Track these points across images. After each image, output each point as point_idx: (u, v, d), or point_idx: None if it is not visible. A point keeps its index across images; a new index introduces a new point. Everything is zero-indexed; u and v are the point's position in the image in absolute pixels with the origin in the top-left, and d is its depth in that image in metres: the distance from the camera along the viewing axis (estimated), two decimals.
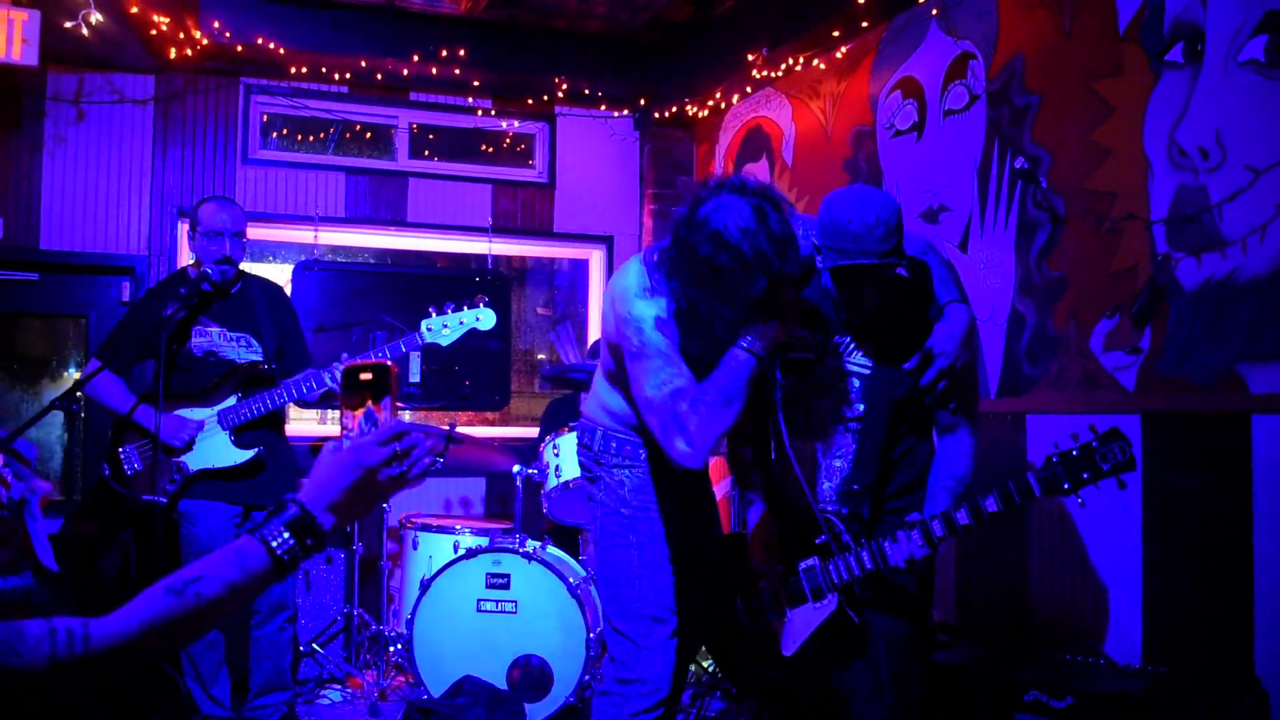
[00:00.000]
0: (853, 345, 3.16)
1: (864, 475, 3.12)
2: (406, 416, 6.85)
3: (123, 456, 4.67)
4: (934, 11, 5.11)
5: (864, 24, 5.41)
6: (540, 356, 8.42)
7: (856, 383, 3.14)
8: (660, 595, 3.17)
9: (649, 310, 2.91)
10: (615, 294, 3.03)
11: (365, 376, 1.84)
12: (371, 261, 7.36)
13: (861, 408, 3.14)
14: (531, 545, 5.21)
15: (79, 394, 4.53)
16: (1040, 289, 4.52)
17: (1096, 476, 2.75)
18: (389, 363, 1.85)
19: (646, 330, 2.89)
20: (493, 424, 7.52)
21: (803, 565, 3.13)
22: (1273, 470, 3.59)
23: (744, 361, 2.78)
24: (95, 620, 1.42)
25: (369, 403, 1.84)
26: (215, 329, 4.76)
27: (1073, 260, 4.38)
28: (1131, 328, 4.11)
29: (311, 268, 6.78)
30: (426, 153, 7.25)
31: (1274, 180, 3.61)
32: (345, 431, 1.84)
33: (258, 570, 1.58)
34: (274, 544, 1.60)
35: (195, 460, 4.63)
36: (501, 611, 5.10)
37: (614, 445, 3.24)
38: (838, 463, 3.17)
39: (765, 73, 6.20)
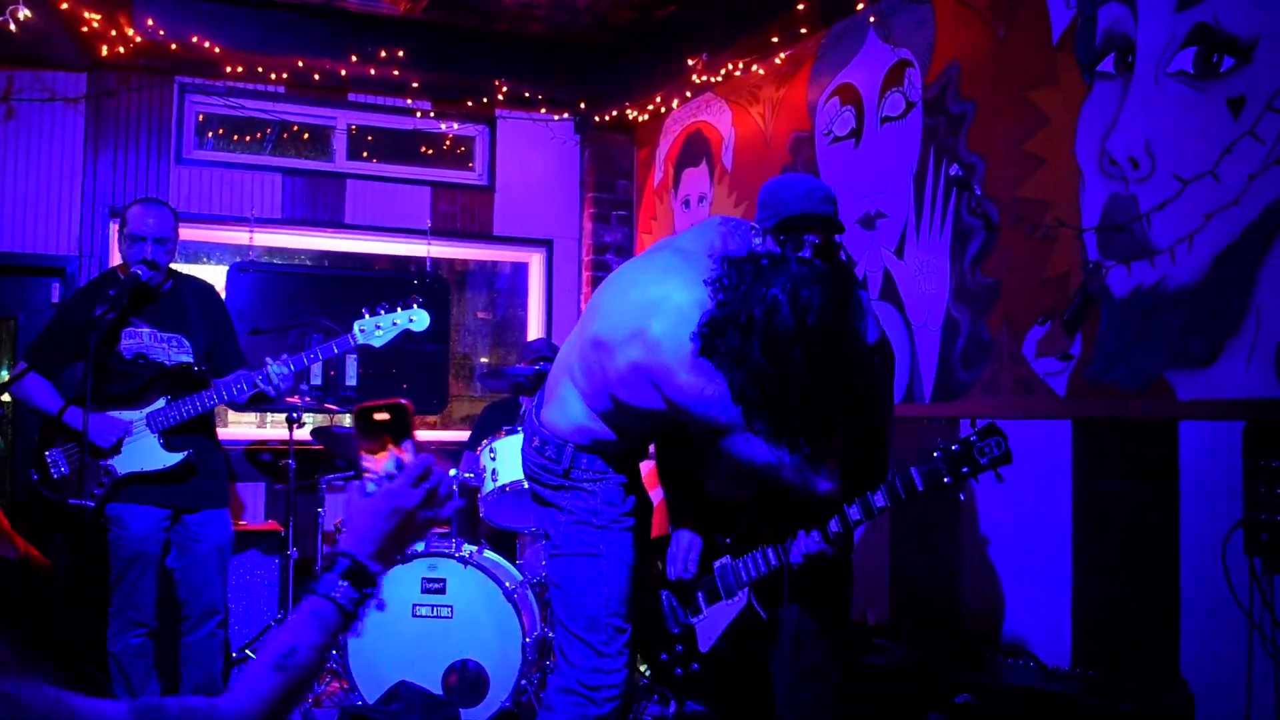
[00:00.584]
0: None
1: None
2: (344, 420, 6.79)
3: (49, 460, 4.58)
4: (872, 19, 5.15)
5: (802, 30, 5.44)
6: (483, 360, 8.38)
7: None
8: (623, 604, 3.16)
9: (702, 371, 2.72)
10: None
11: (381, 417, 1.82)
12: (308, 264, 7.29)
13: None
14: (468, 550, 5.17)
15: (5, 396, 4.43)
16: (974, 295, 4.56)
17: (975, 470, 2.83)
18: (405, 402, 1.82)
19: (725, 399, 2.69)
20: (432, 427, 7.46)
21: (716, 564, 3.18)
22: (1199, 476, 3.65)
23: None
24: (221, 700, 1.54)
25: (390, 446, 1.82)
26: (146, 330, 4.68)
27: (1006, 267, 4.43)
28: (1063, 334, 4.16)
29: (247, 269, 6.70)
30: (365, 154, 7.19)
31: (1201, 190, 3.67)
32: (369, 475, 1.83)
33: (333, 626, 1.66)
34: (339, 598, 1.67)
35: (124, 463, 4.55)
36: (437, 616, 5.06)
37: (585, 461, 3.18)
38: None
39: (705, 78, 6.22)
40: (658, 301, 2.74)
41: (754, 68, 5.97)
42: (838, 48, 5.47)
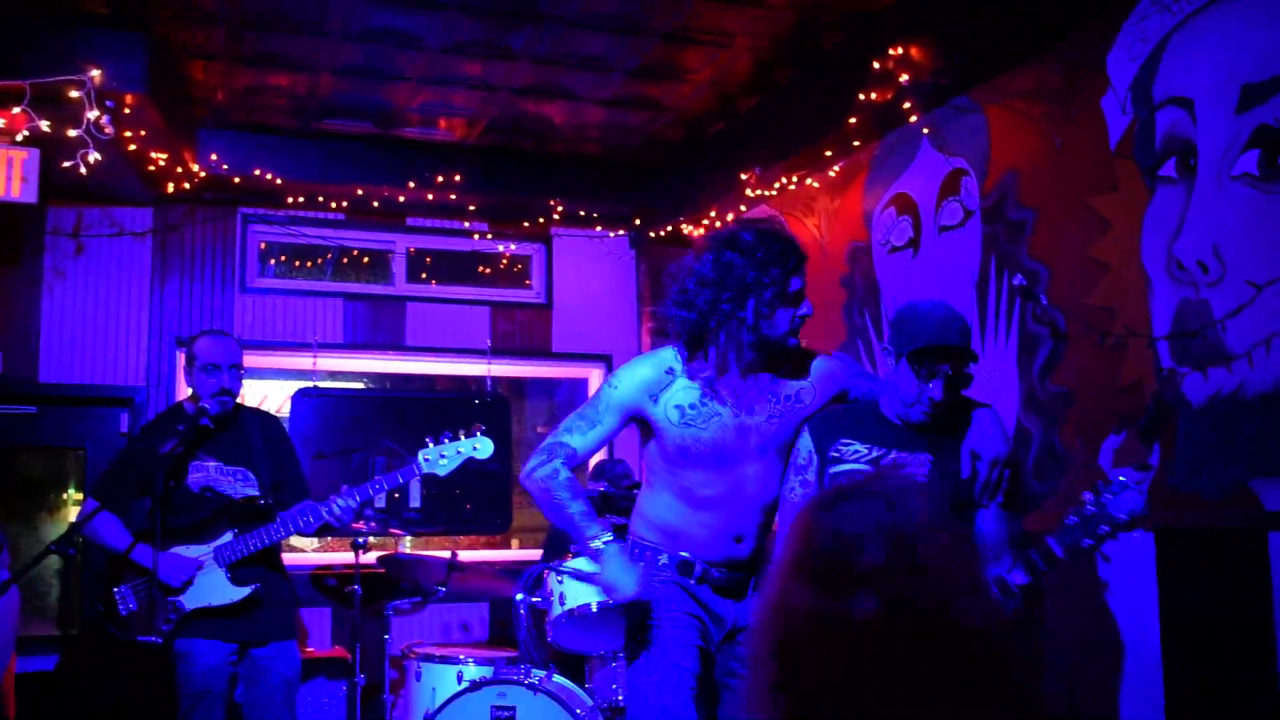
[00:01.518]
0: (911, 457, 3.16)
1: None
2: (407, 542, 6.78)
3: (118, 596, 4.58)
4: (925, 130, 5.15)
5: (855, 143, 5.46)
6: None
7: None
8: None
9: None
10: None
11: None
12: (370, 386, 7.34)
13: None
14: (537, 675, 5.08)
15: (77, 537, 4.45)
16: (1045, 405, 4.48)
17: (1115, 528, 2.77)
18: None
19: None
20: (495, 545, 7.42)
21: None
22: None
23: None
24: None
25: None
26: (212, 464, 4.70)
27: (1076, 376, 4.35)
28: (1140, 443, 4.06)
29: (310, 394, 6.75)
30: (424, 276, 7.27)
31: (1276, 294, 3.59)
32: None
33: None
34: None
35: (192, 599, 4.54)
36: None
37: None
38: None
39: (759, 191, 6.25)
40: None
41: (808, 180, 6.00)
42: (891, 158, 5.48)
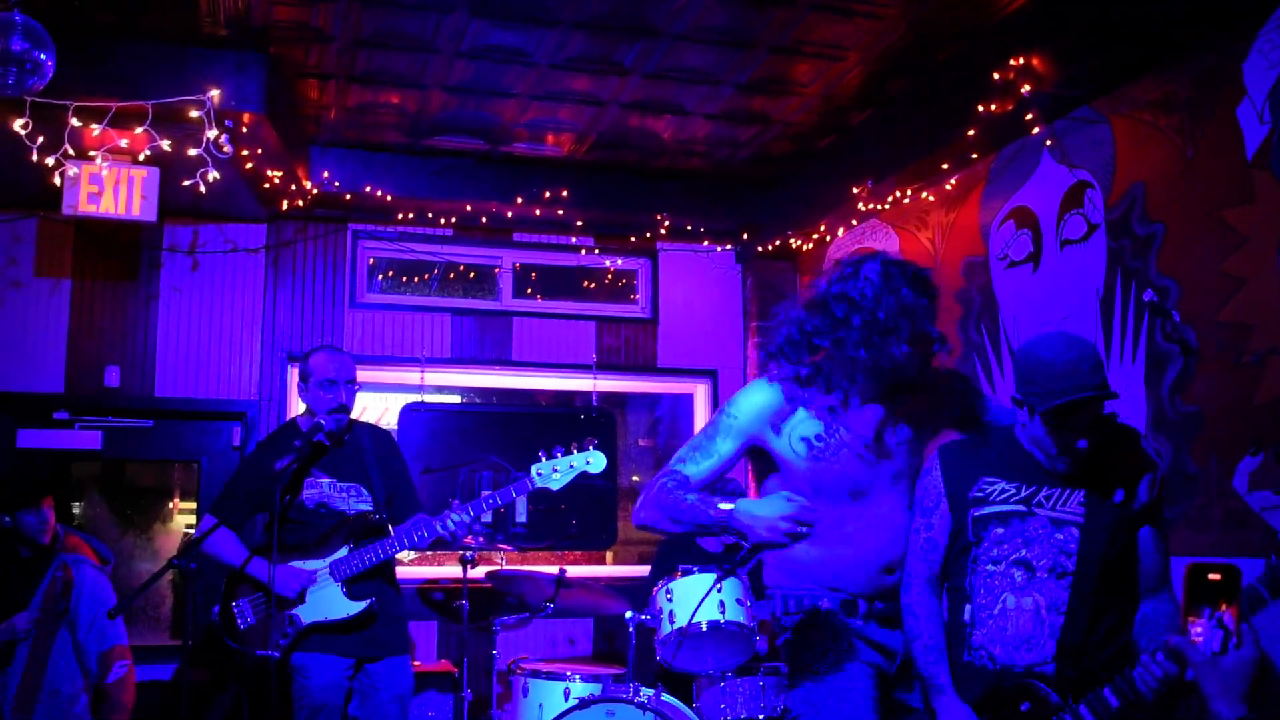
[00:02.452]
0: (1064, 494, 3.05)
1: (1074, 632, 2.96)
2: (501, 558, 6.78)
3: (235, 611, 4.63)
4: (1048, 142, 5.02)
5: (973, 155, 5.34)
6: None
7: (1065, 535, 3.02)
8: None
9: None
10: None
11: (1214, 577, 1.80)
12: (477, 401, 7.36)
13: (1073, 561, 3.00)
14: (645, 694, 5.03)
15: (195, 551, 4.51)
16: (1175, 425, 4.33)
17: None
18: (1236, 566, 1.80)
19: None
20: (600, 562, 7.39)
21: None
22: None
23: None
24: None
25: (1223, 606, 1.91)
26: (326, 480, 4.74)
27: (1209, 395, 4.19)
28: (1278, 466, 3.89)
29: (418, 409, 6.79)
30: (529, 291, 7.28)
31: None
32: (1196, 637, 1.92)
33: None
34: None
35: (308, 613, 4.57)
36: None
37: None
38: (1043, 613, 3.03)
39: (871, 205, 6.15)
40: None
41: (922, 194, 5.88)
42: (1010, 170, 5.35)
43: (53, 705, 4.48)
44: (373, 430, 4.99)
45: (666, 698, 5.14)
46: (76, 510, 6.53)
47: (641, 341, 7.36)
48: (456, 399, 7.49)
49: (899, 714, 3.26)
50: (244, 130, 5.20)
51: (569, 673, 5.41)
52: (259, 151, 5.49)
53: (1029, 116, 4.91)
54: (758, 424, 3.19)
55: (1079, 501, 3.04)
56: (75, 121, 4.90)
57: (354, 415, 4.88)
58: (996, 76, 4.83)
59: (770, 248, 7.15)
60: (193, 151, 5.03)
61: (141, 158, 5.23)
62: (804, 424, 3.15)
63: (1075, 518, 3.03)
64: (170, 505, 6.75)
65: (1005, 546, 3.07)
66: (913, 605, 3.18)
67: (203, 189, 5.15)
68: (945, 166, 5.52)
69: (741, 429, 3.22)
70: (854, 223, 6.61)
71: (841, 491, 3.14)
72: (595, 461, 4.75)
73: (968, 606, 3.12)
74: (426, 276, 7.17)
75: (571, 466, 4.73)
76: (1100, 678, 2.87)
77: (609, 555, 7.52)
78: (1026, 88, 4.72)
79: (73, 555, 4.56)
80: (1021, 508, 3.06)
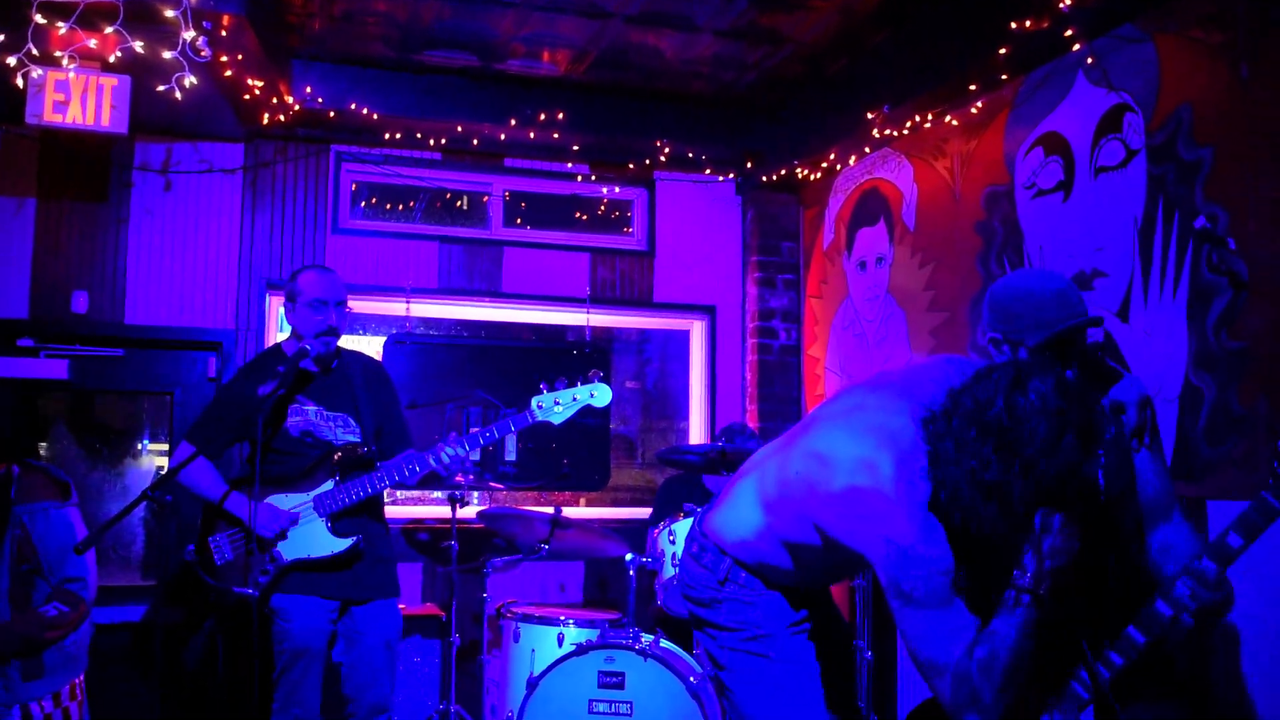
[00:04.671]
0: None
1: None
2: (475, 497, 6.52)
3: (213, 546, 4.33)
4: (1089, 60, 4.71)
5: (1003, 76, 5.03)
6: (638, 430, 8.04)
7: None
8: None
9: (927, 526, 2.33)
10: (870, 466, 2.39)
11: None
12: (464, 334, 7.04)
13: None
14: (646, 640, 4.80)
15: (171, 482, 4.20)
16: (1221, 361, 4.06)
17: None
18: None
19: (932, 568, 2.32)
20: (593, 504, 7.12)
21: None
22: None
23: (1025, 613, 2.26)
24: None
25: None
26: (312, 407, 4.43)
27: (1260, 330, 3.92)
28: None
29: (403, 341, 6.48)
30: (520, 221, 6.95)
31: None
32: None
33: None
34: None
35: (290, 550, 4.28)
36: (616, 714, 4.68)
37: (743, 577, 2.82)
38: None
39: (888, 131, 5.84)
40: (897, 432, 2.39)
41: (945, 118, 5.56)
42: (1039, 94, 5.04)
43: (55, 651, 4.24)
44: (363, 359, 4.68)
45: (666, 644, 4.91)
46: (43, 449, 6.19)
47: (637, 275, 7.05)
48: (438, 334, 7.19)
49: None
50: (223, 33, 4.82)
51: (563, 617, 5.16)
52: (239, 58, 5.11)
53: (1068, 33, 4.60)
54: None
55: None
56: (39, 18, 4.53)
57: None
58: None
59: (774, 178, 6.83)
60: (168, 55, 4.65)
61: (112, 59, 4.84)
62: None
63: None
64: (141, 439, 6.42)
65: None
66: None
67: (178, 95, 4.77)
68: (973, 88, 5.21)
69: None
70: (866, 150, 6.29)
71: None
72: (600, 394, 4.47)
73: None
74: (412, 203, 6.82)
75: (575, 399, 4.44)
76: (1112, 617, 2.72)
77: (587, 498, 7.26)
78: (1066, 2, 4.41)
79: (26, 507, 4.24)
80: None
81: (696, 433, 7.25)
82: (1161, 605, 2.65)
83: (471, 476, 5.75)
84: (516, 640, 5.21)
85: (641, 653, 4.71)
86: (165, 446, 6.35)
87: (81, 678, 4.38)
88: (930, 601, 2.30)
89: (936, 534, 2.29)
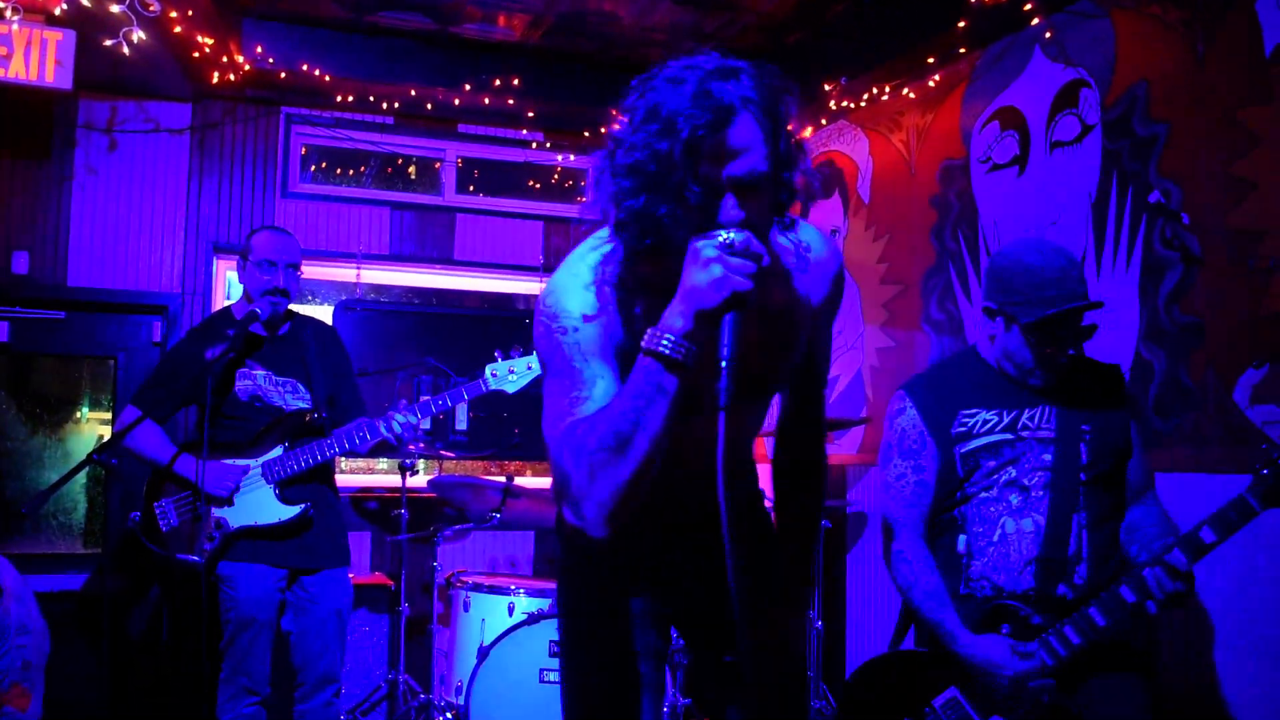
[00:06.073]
0: (1044, 411, 2.91)
1: (1054, 548, 2.79)
2: (420, 465, 6.46)
3: (158, 511, 4.26)
4: (1047, 34, 4.71)
5: (960, 50, 5.03)
6: None
7: (1051, 453, 2.87)
8: None
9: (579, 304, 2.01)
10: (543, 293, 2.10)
11: None
12: (415, 301, 6.96)
13: (1048, 477, 2.82)
14: None
15: (117, 446, 4.12)
16: (1171, 335, 4.10)
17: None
18: None
19: (568, 331, 1.99)
20: (544, 474, 7.08)
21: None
22: None
23: (648, 370, 1.80)
24: None
25: None
26: (261, 372, 4.36)
27: (1210, 304, 3.96)
28: None
29: (353, 308, 6.40)
30: (472, 188, 6.88)
31: None
32: None
33: None
34: None
35: (237, 517, 4.22)
36: None
37: None
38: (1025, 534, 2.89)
39: (845, 103, 5.82)
40: None
41: (903, 90, 5.55)
42: (996, 68, 5.05)
43: None
44: (316, 325, 4.61)
45: None
46: None
47: None
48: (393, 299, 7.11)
49: None
50: None
51: (513, 586, 5.13)
52: (189, 14, 4.99)
53: (1026, 8, 4.61)
54: None
55: (1051, 419, 2.94)
56: None
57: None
58: None
59: None
60: (115, 8, 4.55)
61: (58, 12, 4.72)
62: None
63: (1053, 434, 2.93)
64: (83, 405, 6.29)
65: (997, 475, 2.94)
66: (904, 551, 3.01)
67: (126, 51, 4.67)
68: (931, 61, 5.20)
69: None
70: (823, 122, 6.27)
71: None
72: None
73: (962, 537, 2.98)
74: (364, 168, 6.73)
75: (529, 368, 4.42)
76: (1092, 598, 2.76)
77: (538, 468, 7.23)
78: None
79: None
80: (1008, 435, 2.94)
81: None
82: (1126, 591, 2.69)
83: (422, 445, 5.69)
84: (466, 610, 5.18)
85: None
86: (108, 415, 6.24)
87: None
88: (554, 368, 2.00)
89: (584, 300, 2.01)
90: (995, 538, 2.91)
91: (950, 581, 2.97)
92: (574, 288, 2.03)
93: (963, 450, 2.98)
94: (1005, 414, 2.95)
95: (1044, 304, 2.80)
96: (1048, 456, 2.90)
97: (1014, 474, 2.91)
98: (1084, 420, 2.95)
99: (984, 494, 2.93)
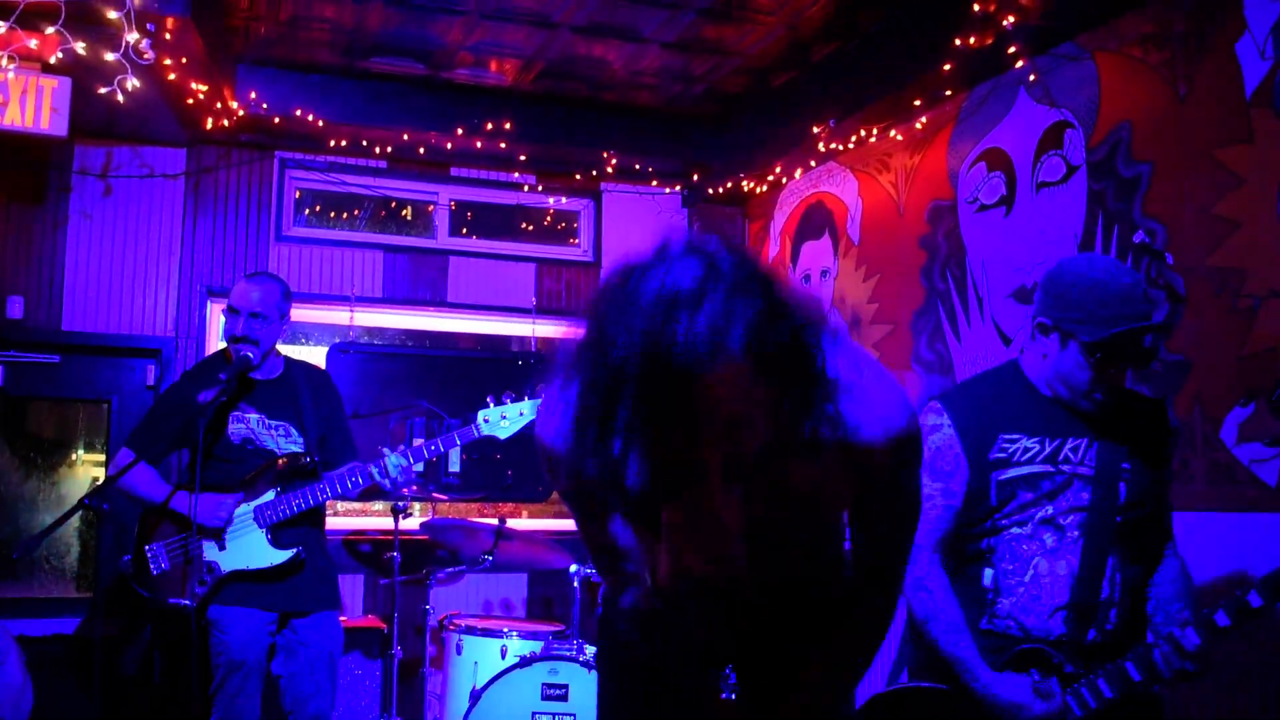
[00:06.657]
0: (1087, 444, 2.78)
1: (1085, 592, 2.71)
2: (415, 508, 6.46)
3: (149, 555, 4.26)
4: (1031, 77, 4.77)
5: (947, 92, 5.09)
6: None
7: (1086, 494, 2.76)
8: None
9: None
10: None
11: None
12: (409, 344, 6.98)
13: (1084, 517, 2.75)
14: (590, 652, 4.78)
15: (110, 489, 4.13)
16: (1158, 374, 4.13)
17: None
18: None
19: None
20: (537, 515, 7.09)
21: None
22: None
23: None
24: None
25: None
26: (254, 415, 4.37)
27: (1196, 342, 3.99)
28: (1271, 416, 3.71)
29: (347, 350, 6.42)
30: (465, 231, 6.92)
31: None
32: None
33: None
34: None
35: (228, 561, 4.22)
36: None
37: None
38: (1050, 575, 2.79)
39: (834, 145, 5.88)
40: None
41: (890, 133, 5.61)
42: (982, 111, 5.11)
43: None
44: (309, 369, 4.62)
45: None
46: None
47: (583, 285, 7.04)
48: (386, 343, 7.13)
49: None
50: (167, 36, 4.75)
51: (506, 629, 5.13)
52: (183, 61, 5.04)
53: (1011, 50, 4.67)
54: None
55: (1092, 449, 2.77)
56: None
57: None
58: (977, 7, 4.57)
59: (720, 190, 6.86)
60: (110, 56, 4.58)
61: (53, 60, 4.76)
62: None
63: (1092, 471, 2.76)
64: (77, 448, 6.30)
65: (1033, 510, 2.76)
66: (925, 579, 2.80)
67: (120, 98, 4.71)
68: (918, 103, 5.27)
69: None
70: (812, 164, 6.34)
71: None
72: None
73: (989, 571, 2.81)
74: (357, 211, 6.77)
75: (521, 414, 4.43)
76: (1124, 645, 2.67)
77: (523, 512, 7.23)
78: (1010, 20, 4.47)
79: None
80: (1048, 467, 2.76)
81: None
82: (1131, 668, 2.60)
83: (415, 487, 5.69)
84: (459, 653, 5.17)
85: (586, 664, 4.69)
86: (102, 456, 6.24)
87: None
88: None
89: None
90: (1027, 578, 2.76)
91: (971, 614, 2.79)
92: None
93: (1000, 478, 2.79)
94: (1048, 442, 2.78)
95: (1110, 322, 2.60)
96: (1085, 495, 2.75)
97: (1050, 511, 2.75)
98: (1125, 458, 2.77)
99: (1017, 529, 2.76)
